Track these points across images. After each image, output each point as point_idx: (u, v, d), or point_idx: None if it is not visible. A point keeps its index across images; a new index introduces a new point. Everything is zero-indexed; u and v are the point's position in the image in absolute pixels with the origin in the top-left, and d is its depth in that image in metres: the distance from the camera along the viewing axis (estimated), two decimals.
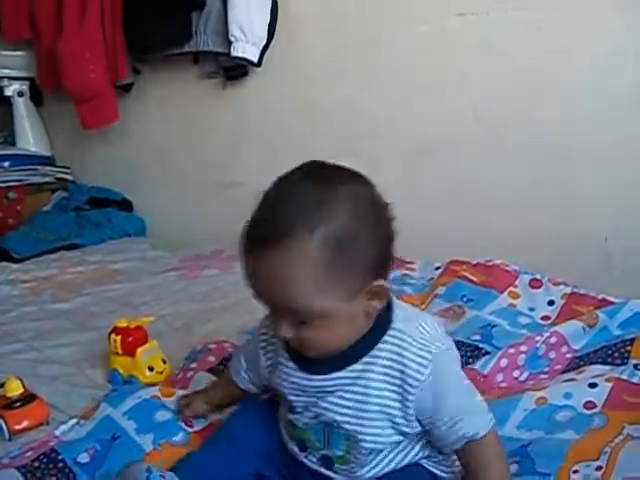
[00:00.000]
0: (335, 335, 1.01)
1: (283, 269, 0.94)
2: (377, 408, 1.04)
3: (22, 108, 3.30)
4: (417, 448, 1.10)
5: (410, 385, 1.02)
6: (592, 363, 1.45)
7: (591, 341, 1.54)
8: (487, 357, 1.48)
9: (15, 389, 1.42)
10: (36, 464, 1.24)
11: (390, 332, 1.04)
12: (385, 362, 1.03)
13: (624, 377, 1.35)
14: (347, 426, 1.06)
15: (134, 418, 1.33)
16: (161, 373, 1.56)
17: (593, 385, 1.33)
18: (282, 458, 1.18)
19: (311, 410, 1.09)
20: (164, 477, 1.11)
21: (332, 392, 1.06)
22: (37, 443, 1.31)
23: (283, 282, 0.94)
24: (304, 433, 1.12)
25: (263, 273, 0.96)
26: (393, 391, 1.03)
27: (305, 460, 1.14)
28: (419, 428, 1.06)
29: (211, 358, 1.54)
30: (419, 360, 1.01)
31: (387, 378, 1.03)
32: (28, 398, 1.42)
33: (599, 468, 1.10)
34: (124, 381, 1.55)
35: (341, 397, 1.06)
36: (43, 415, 1.41)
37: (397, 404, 1.04)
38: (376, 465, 1.08)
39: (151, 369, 1.55)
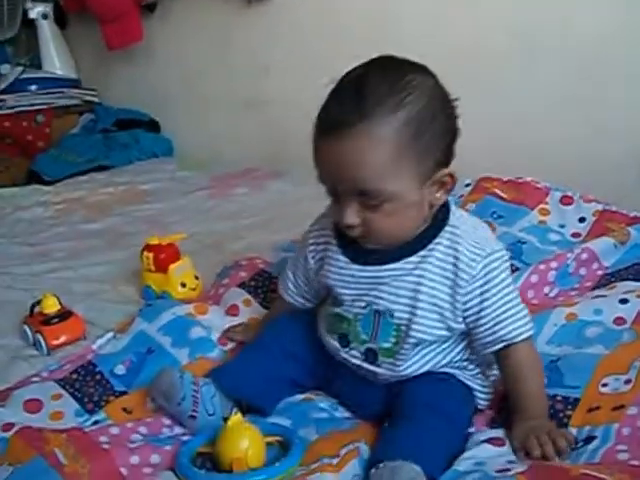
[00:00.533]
0: (400, 222, 1.04)
1: (363, 148, 0.97)
2: (429, 299, 1.08)
3: (47, 31, 3.27)
4: (458, 349, 1.13)
5: (461, 279, 1.06)
6: (623, 280, 1.44)
7: (622, 258, 1.54)
8: (517, 273, 1.48)
9: (52, 306, 1.46)
10: (74, 376, 1.28)
11: (447, 228, 1.08)
12: (441, 256, 1.07)
13: None
14: (399, 314, 1.09)
15: (169, 334, 1.36)
16: (194, 289, 1.58)
17: (624, 301, 1.33)
18: (315, 362, 1.21)
19: (363, 299, 1.12)
20: (197, 382, 1.14)
21: (386, 282, 1.09)
22: (75, 357, 1.34)
23: (361, 161, 0.97)
24: (350, 325, 1.14)
25: (342, 153, 0.98)
26: (445, 284, 1.07)
27: (346, 356, 1.16)
28: (463, 326, 1.10)
29: (242, 274, 1.55)
30: (473, 257, 1.05)
31: (441, 271, 1.07)
32: (65, 314, 1.45)
33: (628, 381, 1.11)
34: (157, 297, 1.57)
35: (395, 286, 1.09)
36: (80, 330, 1.45)
37: (447, 297, 1.07)
38: (419, 360, 1.11)
39: (183, 285, 1.57)
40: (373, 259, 1.10)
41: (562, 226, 1.72)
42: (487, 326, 1.08)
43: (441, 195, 1.06)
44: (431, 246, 1.07)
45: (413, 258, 1.08)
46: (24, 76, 3.20)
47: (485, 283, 1.06)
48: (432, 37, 2.27)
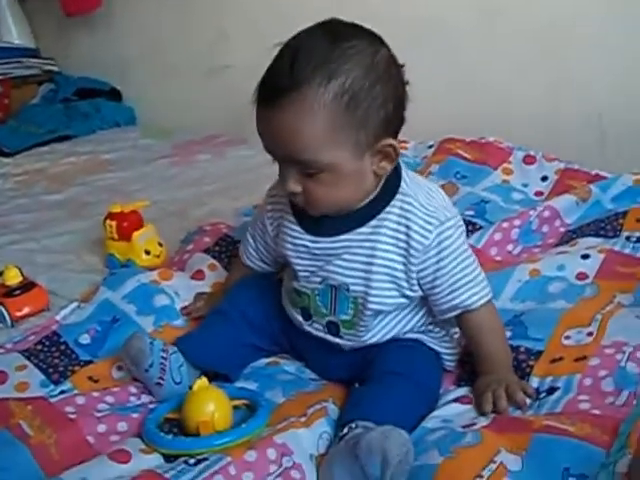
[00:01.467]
0: (341, 192, 1.02)
1: (296, 117, 0.95)
2: (383, 270, 1.07)
3: None
4: (420, 314, 1.13)
5: (415, 249, 1.05)
6: (585, 236, 1.46)
7: (584, 214, 1.55)
8: (481, 231, 1.49)
9: (14, 277, 1.44)
10: (39, 347, 1.27)
11: (398, 196, 1.06)
12: (393, 225, 1.05)
13: (616, 249, 1.38)
14: (354, 287, 1.08)
15: (134, 302, 1.35)
16: (158, 256, 1.57)
17: (585, 256, 1.35)
18: (279, 329, 1.22)
19: (318, 275, 1.11)
20: (167, 349, 1.14)
21: (339, 255, 1.08)
22: (39, 328, 1.33)
23: (295, 131, 0.95)
24: (310, 300, 1.14)
25: (276, 122, 0.96)
26: (399, 254, 1.06)
27: (309, 328, 1.16)
28: (420, 292, 1.09)
29: (206, 239, 1.54)
30: (425, 226, 1.04)
31: (394, 241, 1.06)
32: (27, 285, 1.44)
33: (590, 334, 1.13)
34: (121, 265, 1.56)
35: (348, 260, 1.08)
36: (43, 301, 1.43)
37: (401, 266, 1.06)
38: (381, 329, 1.12)
39: (148, 252, 1.56)
40: (325, 230, 1.08)
41: (525, 185, 1.74)
42: (443, 294, 1.08)
43: (385, 164, 1.03)
44: (382, 216, 1.06)
45: (364, 229, 1.06)
46: None
47: (439, 252, 1.05)
48: (396, 5, 2.26)
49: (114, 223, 1.57)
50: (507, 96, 2.16)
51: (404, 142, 2.00)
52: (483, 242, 1.47)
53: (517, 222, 1.51)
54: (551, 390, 1.06)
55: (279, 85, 0.95)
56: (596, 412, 0.96)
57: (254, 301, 1.23)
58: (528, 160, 1.77)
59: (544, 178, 1.74)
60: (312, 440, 1.00)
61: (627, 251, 1.37)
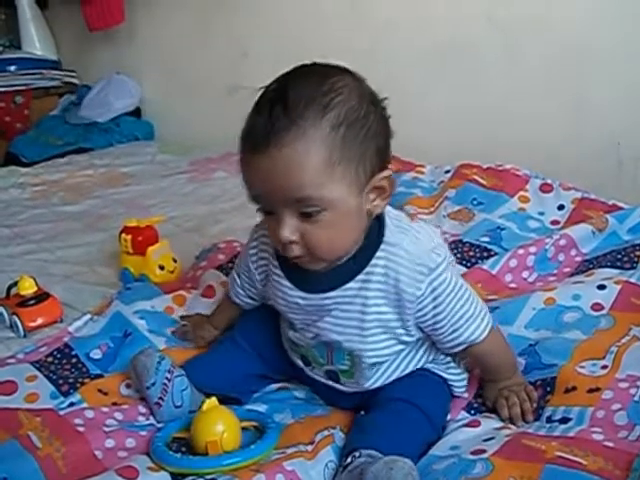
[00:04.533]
0: (341, 233, 0.98)
1: (295, 153, 0.91)
2: (376, 324, 1.05)
3: (27, 11, 3.24)
4: (420, 353, 1.12)
5: (407, 300, 1.02)
6: (601, 266, 1.45)
7: (600, 245, 1.55)
8: (496, 257, 1.49)
9: (28, 287, 1.44)
10: (50, 359, 1.27)
11: (383, 246, 1.02)
12: (380, 278, 1.02)
13: (633, 280, 1.36)
14: (348, 344, 1.06)
15: (145, 318, 1.35)
16: (172, 272, 1.58)
17: (602, 287, 1.33)
18: (287, 363, 1.20)
19: (310, 331, 1.09)
20: (173, 371, 1.13)
21: (330, 311, 1.06)
22: (51, 339, 1.33)
23: (295, 167, 0.91)
24: (307, 351, 1.13)
25: (273, 164, 0.92)
26: (390, 306, 1.03)
27: (311, 373, 1.16)
28: (419, 335, 1.08)
29: (221, 256, 1.54)
30: (415, 275, 1.01)
31: (383, 294, 1.03)
32: (42, 296, 1.44)
33: (604, 367, 1.12)
34: (135, 280, 1.56)
35: (338, 317, 1.05)
36: (57, 312, 1.43)
37: (395, 316, 1.04)
38: (382, 375, 1.10)
39: (162, 268, 1.56)
40: (314, 286, 1.05)
41: (541, 213, 1.73)
42: (446, 334, 1.06)
43: (379, 202, 1.00)
44: (368, 269, 1.02)
45: (352, 284, 1.03)
46: (3, 56, 3.18)
47: (435, 298, 1.02)
48: (412, 27, 2.27)
49: (129, 237, 1.57)
50: (524, 123, 2.17)
51: (421, 166, 2.00)
52: (498, 268, 1.46)
53: (533, 249, 1.51)
54: (564, 420, 1.05)
55: (274, 126, 0.91)
56: (609, 444, 0.95)
57: (263, 331, 1.21)
58: (545, 188, 1.77)
59: (561, 207, 1.73)
60: (319, 469, 0.99)
61: None
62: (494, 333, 1.10)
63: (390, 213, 1.06)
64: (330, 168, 0.92)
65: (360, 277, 1.03)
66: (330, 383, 1.14)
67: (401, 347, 1.08)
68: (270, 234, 1.02)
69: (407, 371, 1.11)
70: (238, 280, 1.24)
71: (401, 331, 1.06)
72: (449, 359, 1.14)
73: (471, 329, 1.06)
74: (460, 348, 1.08)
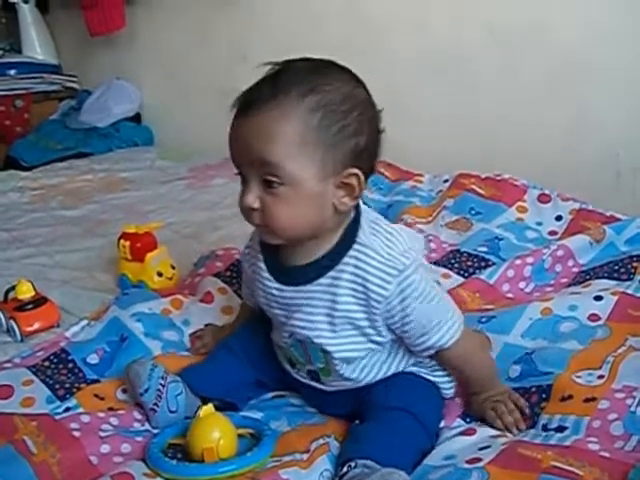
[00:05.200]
0: (297, 213, 1.00)
1: (271, 121, 0.97)
2: (345, 321, 1.06)
3: (27, 15, 3.24)
4: (400, 354, 1.13)
5: (375, 300, 1.03)
6: (598, 277, 1.46)
7: (597, 256, 1.55)
8: (493, 267, 1.49)
9: (26, 292, 1.44)
10: (46, 364, 1.27)
11: (355, 246, 1.04)
12: (349, 277, 1.04)
13: (629, 292, 1.36)
14: (318, 340, 1.08)
15: (142, 321, 1.35)
16: (170, 279, 1.58)
17: (598, 298, 1.34)
18: (279, 371, 1.21)
19: (285, 330, 1.11)
20: (166, 377, 1.14)
21: (300, 307, 1.08)
22: (48, 343, 1.33)
23: (269, 133, 0.97)
24: (288, 351, 1.15)
25: (251, 126, 0.98)
26: (359, 304, 1.05)
27: (297, 376, 1.17)
28: (391, 336, 1.09)
29: (218, 264, 1.55)
30: (383, 276, 1.02)
31: (352, 292, 1.04)
32: (39, 301, 1.44)
33: (601, 377, 1.12)
34: (133, 286, 1.56)
35: (309, 312, 1.07)
36: (54, 317, 1.43)
37: (363, 315, 1.06)
38: (361, 373, 1.11)
39: (160, 274, 1.56)
40: (291, 279, 1.08)
41: (539, 224, 1.74)
42: (414, 337, 1.07)
43: (347, 200, 1.02)
44: (339, 267, 1.04)
45: (323, 280, 1.05)
46: (3, 60, 3.19)
47: (403, 300, 1.03)
48: (411, 35, 2.27)
49: (128, 243, 1.57)
50: (523, 132, 2.17)
51: (420, 175, 2.01)
52: (495, 278, 1.47)
53: (530, 260, 1.51)
54: (560, 429, 1.05)
55: (260, 95, 0.99)
56: (605, 455, 0.95)
57: (257, 339, 1.22)
58: (543, 199, 1.78)
59: (558, 217, 1.74)
60: (314, 478, 1.00)
61: None
62: (464, 339, 1.10)
63: (369, 215, 1.09)
64: (300, 144, 0.97)
65: (331, 274, 1.05)
66: (313, 384, 1.15)
67: (373, 346, 1.09)
68: (238, 202, 1.05)
69: (390, 372, 1.12)
70: (245, 281, 1.27)
71: (371, 331, 1.07)
72: (434, 362, 1.15)
73: (440, 333, 1.07)
74: (430, 352, 1.10)
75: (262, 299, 1.14)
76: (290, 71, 1.01)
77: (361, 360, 1.10)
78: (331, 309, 1.06)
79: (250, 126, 0.98)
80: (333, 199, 1.01)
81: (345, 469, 0.97)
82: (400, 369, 1.13)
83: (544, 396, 1.12)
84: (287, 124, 0.97)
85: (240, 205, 1.03)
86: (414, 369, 1.14)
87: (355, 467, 0.96)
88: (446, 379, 1.16)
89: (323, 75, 1.00)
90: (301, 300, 1.08)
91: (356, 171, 1.00)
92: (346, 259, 1.04)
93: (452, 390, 1.17)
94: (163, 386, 1.12)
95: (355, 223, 1.06)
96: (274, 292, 1.11)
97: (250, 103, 0.99)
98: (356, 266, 1.03)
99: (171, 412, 1.12)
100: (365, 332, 1.07)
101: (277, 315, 1.12)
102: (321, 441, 1.06)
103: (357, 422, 1.09)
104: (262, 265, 1.12)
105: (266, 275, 1.12)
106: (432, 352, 1.10)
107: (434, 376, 1.15)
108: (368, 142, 1.02)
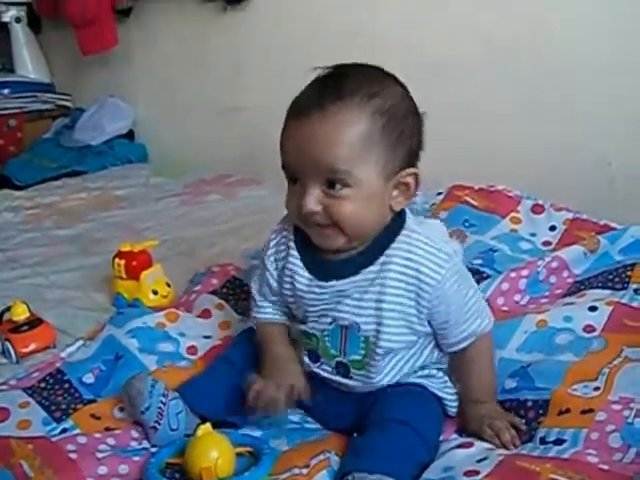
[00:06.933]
0: (361, 212, 1.03)
1: (336, 125, 0.99)
2: (394, 307, 1.08)
3: (20, 34, 3.26)
4: (426, 352, 1.15)
5: (427, 284, 1.06)
6: (593, 287, 1.45)
7: (592, 266, 1.54)
8: (488, 280, 1.49)
9: (21, 313, 1.44)
10: (42, 385, 1.26)
11: (404, 232, 1.08)
12: (400, 261, 1.07)
13: (624, 301, 1.36)
14: (365, 327, 1.09)
15: (137, 337, 1.35)
16: (165, 297, 1.58)
17: (593, 309, 1.34)
18: None
19: (328, 315, 1.11)
20: (167, 395, 1.13)
21: (350, 294, 1.09)
22: (43, 365, 1.33)
23: (333, 139, 0.99)
24: (319, 341, 1.14)
25: (312, 131, 1.00)
26: (409, 290, 1.07)
27: (318, 370, 1.16)
28: (429, 328, 1.11)
29: (214, 281, 1.55)
30: (436, 260, 1.06)
31: (403, 277, 1.07)
32: (34, 322, 1.43)
33: (597, 389, 1.12)
34: (128, 304, 1.56)
35: (358, 299, 1.08)
36: (49, 338, 1.43)
37: (412, 303, 1.08)
38: (391, 370, 1.12)
39: (155, 292, 1.56)
40: (333, 273, 1.09)
41: (533, 234, 1.73)
42: (456, 325, 1.10)
43: (401, 199, 1.07)
44: (389, 252, 1.07)
45: (372, 267, 1.07)
46: None
47: (452, 284, 1.07)
48: (406, 45, 2.28)
49: (123, 262, 1.57)
50: (515, 142, 2.18)
51: None
52: (490, 292, 1.46)
53: (525, 272, 1.51)
54: (558, 441, 1.05)
55: (322, 98, 1.00)
56: (604, 467, 0.95)
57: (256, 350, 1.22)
58: (536, 209, 1.77)
59: (552, 228, 1.73)
60: None
61: (635, 304, 1.36)
62: (491, 335, 1.16)
63: (409, 213, 1.13)
64: (366, 148, 1.00)
65: (381, 259, 1.07)
66: (337, 378, 1.14)
67: (413, 338, 1.11)
68: (289, 205, 1.08)
69: (415, 368, 1.13)
70: (259, 295, 1.23)
71: (415, 319, 1.09)
72: (446, 378, 1.16)
73: (479, 320, 1.11)
74: (467, 342, 1.12)
75: (298, 299, 1.14)
76: (349, 75, 1.04)
77: (396, 354, 1.11)
78: (380, 294, 1.07)
79: (313, 130, 1.00)
80: (390, 199, 1.05)
81: None
82: (420, 372, 1.14)
83: (541, 412, 1.12)
84: (354, 124, 1.00)
85: (297, 210, 1.05)
86: (425, 382, 1.14)
87: None
88: (453, 397, 1.16)
89: (380, 81, 1.05)
90: (349, 291, 1.09)
91: (416, 170, 1.06)
92: (396, 244, 1.07)
93: (455, 409, 1.17)
94: (164, 404, 1.11)
95: (402, 214, 1.10)
96: (317, 290, 1.11)
97: (312, 107, 1.00)
98: (407, 250, 1.07)
99: (172, 430, 1.11)
100: (410, 321, 1.09)
101: (319, 309, 1.12)
102: (321, 457, 1.05)
103: (355, 435, 1.08)
104: (298, 262, 1.13)
105: (305, 274, 1.12)
106: (467, 343, 1.12)
107: (444, 392, 1.15)
108: (419, 143, 1.07)
